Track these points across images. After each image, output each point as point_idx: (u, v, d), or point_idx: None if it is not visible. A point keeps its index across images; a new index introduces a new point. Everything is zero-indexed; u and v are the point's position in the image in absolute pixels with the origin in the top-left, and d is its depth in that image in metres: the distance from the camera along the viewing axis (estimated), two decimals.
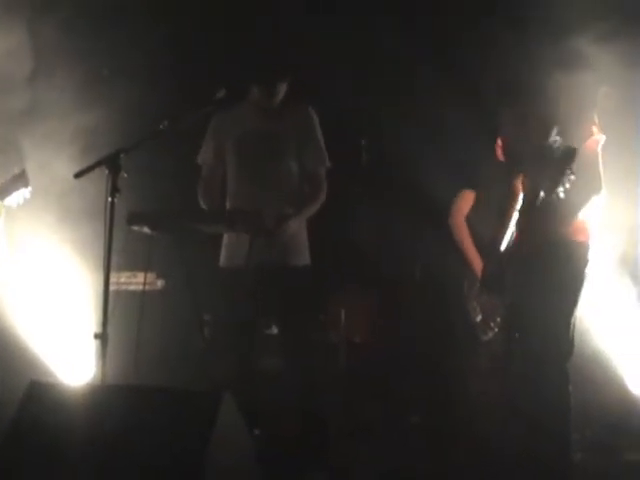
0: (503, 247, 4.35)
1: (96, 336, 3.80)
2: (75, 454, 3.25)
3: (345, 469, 4.59)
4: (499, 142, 5.09)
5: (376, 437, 5.19)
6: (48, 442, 3.31)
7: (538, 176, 3.94)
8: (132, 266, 5.43)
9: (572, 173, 3.82)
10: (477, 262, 5.13)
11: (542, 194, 3.89)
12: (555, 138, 4.16)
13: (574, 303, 4.12)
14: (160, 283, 5.84)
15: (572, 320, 4.12)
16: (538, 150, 4.14)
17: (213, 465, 3.19)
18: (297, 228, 4.37)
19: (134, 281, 5.68)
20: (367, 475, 4.59)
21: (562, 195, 3.85)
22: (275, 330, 4.72)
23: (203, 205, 4.55)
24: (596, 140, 4.15)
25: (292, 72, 4.48)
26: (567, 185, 3.83)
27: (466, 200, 5.37)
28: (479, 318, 5.13)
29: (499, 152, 5.12)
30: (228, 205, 4.54)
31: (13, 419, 3.45)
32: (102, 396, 3.52)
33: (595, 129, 4.18)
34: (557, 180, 3.82)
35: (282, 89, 4.47)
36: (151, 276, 5.54)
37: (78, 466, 3.23)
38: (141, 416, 3.31)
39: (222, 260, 4.52)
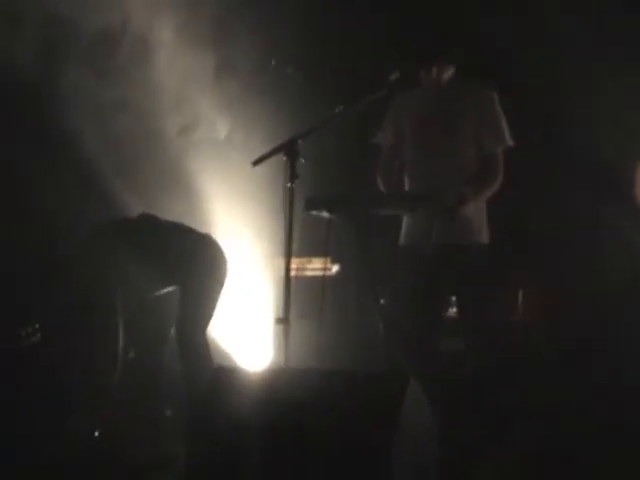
0: None
1: (278, 321, 3.84)
2: (259, 435, 3.29)
3: (522, 453, 4.49)
4: None
5: (554, 422, 5.07)
6: (234, 423, 3.36)
7: None
8: (307, 252, 5.49)
9: None
10: None
11: None
12: None
13: None
14: (335, 268, 5.89)
15: None
16: None
17: (400, 447, 3.18)
18: (477, 207, 4.31)
19: (310, 267, 5.76)
20: (546, 459, 4.48)
21: None
22: (454, 310, 4.66)
23: (382, 186, 4.55)
24: None
25: (452, 52, 4.44)
26: None
27: None
28: None
29: None
30: (407, 186, 4.52)
31: (201, 402, 3.54)
32: (288, 379, 3.52)
33: None
34: None
35: (446, 70, 4.42)
36: (325, 261, 5.59)
37: (262, 447, 3.27)
38: (326, 399, 3.31)
39: (402, 239, 4.50)
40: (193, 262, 4.83)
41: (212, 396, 3.52)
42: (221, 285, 4.89)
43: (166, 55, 5.30)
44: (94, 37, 5.19)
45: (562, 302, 5.91)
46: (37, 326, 4.85)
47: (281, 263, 4.00)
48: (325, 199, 4.14)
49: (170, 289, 4.95)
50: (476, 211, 4.32)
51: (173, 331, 4.94)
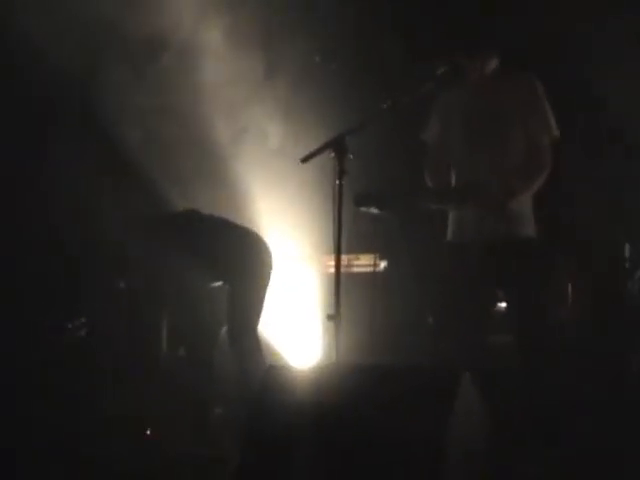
0: None
1: (329, 317, 3.84)
2: (312, 433, 3.31)
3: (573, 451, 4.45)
4: None
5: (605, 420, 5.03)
6: (287, 420, 3.38)
7: None
8: (355, 249, 5.49)
9: None
10: None
11: None
12: None
13: None
14: (383, 264, 5.88)
15: None
16: None
17: (454, 442, 3.17)
18: (524, 200, 4.27)
19: (357, 263, 5.76)
20: (598, 458, 4.43)
21: None
22: (503, 305, 4.63)
23: (429, 182, 4.54)
24: None
25: (494, 44, 4.41)
26: None
27: None
28: None
29: None
30: (454, 180, 4.50)
31: (255, 400, 3.56)
32: (339, 376, 3.53)
33: None
34: None
35: (490, 62, 4.39)
36: (374, 258, 5.60)
37: (314, 444, 3.28)
38: (378, 394, 3.32)
39: (450, 234, 4.47)
40: (239, 256, 4.88)
41: (264, 395, 3.54)
42: (267, 279, 4.93)
43: (213, 58, 5.34)
44: (142, 41, 5.24)
45: (610, 300, 5.85)
46: (83, 320, 4.91)
47: (330, 260, 4.00)
48: (374, 195, 4.15)
49: (217, 284, 4.99)
50: (523, 204, 4.28)
51: (224, 331, 4.98)
